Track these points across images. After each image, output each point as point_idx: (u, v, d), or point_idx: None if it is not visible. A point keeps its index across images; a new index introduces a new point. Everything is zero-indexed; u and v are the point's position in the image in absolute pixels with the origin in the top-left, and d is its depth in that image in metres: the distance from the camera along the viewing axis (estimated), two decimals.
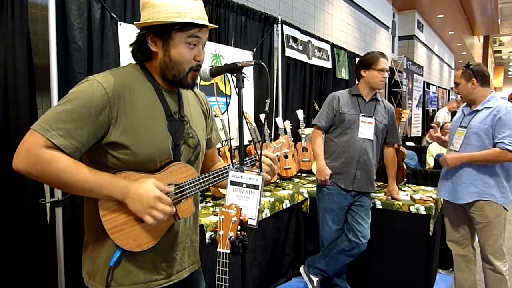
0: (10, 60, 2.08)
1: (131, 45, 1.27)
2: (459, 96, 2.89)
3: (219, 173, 1.29)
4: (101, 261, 1.22)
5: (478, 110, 2.59)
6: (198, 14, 1.20)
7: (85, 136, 1.11)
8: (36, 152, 1.06)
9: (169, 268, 1.30)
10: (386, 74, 2.76)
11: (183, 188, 1.25)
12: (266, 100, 1.25)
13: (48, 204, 2.23)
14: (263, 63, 1.19)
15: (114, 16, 2.49)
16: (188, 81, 1.25)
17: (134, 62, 1.31)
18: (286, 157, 3.77)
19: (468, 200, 2.55)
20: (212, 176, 1.29)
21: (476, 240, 2.70)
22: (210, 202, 2.86)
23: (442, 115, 8.12)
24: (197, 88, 3.14)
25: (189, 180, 1.26)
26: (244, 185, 1.19)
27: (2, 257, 2.05)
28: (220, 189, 2.85)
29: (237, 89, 1.21)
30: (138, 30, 1.25)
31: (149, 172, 1.21)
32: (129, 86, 1.19)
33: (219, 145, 3.29)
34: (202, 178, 1.28)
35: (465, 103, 2.75)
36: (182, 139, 1.29)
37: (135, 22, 1.25)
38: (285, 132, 3.90)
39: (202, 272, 1.53)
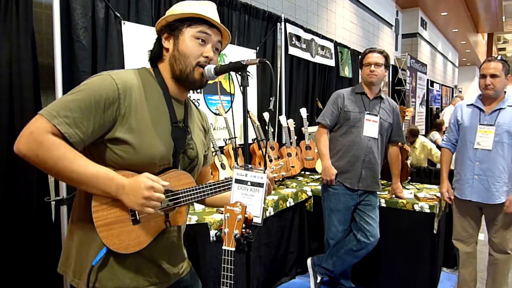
0: (15, 59, 2.09)
1: (150, 51, 1.32)
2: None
3: (217, 185, 1.29)
4: (88, 260, 1.18)
5: (501, 108, 2.58)
6: (210, 13, 1.26)
7: (90, 128, 1.10)
8: (40, 137, 1.05)
9: (156, 275, 1.28)
10: (373, 67, 2.70)
11: (179, 196, 1.24)
12: (271, 98, 1.26)
13: (53, 203, 2.24)
14: (267, 61, 1.19)
15: (118, 15, 2.49)
16: (194, 76, 1.25)
17: (142, 65, 1.32)
18: (289, 155, 3.77)
19: (503, 199, 2.57)
20: (209, 188, 1.28)
21: (481, 237, 2.73)
22: None
23: (449, 113, 8.09)
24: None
25: (186, 189, 1.25)
26: (248, 183, 1.19)
27: (7, 255, 2.06)
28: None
29: (241, 88, 1.21)
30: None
31: None
32: (140, 87, 1.21)
33: (222, 144, 3.30)
34: (199, 188, 1.27)
35: (474, 100, 2.69)
36: (182, 148, 1.29)
37: (156, 24, 1.31)
38: (289, 130, 3.90)
39: (196, 273, 1.51)
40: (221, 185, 1.29)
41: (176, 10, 1.26)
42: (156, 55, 1.30)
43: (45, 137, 1.05)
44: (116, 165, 1.16)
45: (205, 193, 1.28)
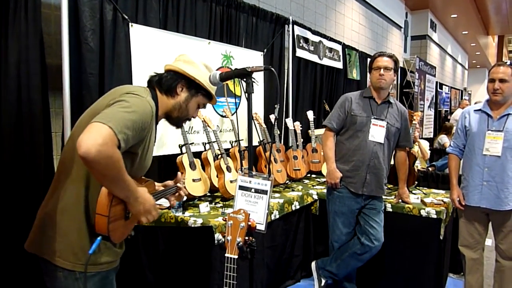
0: (24, 60, 2.11)
1: (158, 76, 1.54)
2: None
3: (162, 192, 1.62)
4: (77, 242, 1.32)
5: (510, 114, 2.58)
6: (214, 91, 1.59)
7: (130, 144, 1.28)
8: (111, 149, 1.18)
9: (117, 254, 1.49)
10: (383, 71, 2.69)
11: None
12: (276, 106, 1.25)
13: None
14: (272, 69, 1.19)
15: (126, 17, 2.50)
16: (180, 125, 1.62)
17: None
18: (295, 157, 3.76)
19: (511, 206, 2.56)
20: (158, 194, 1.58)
21: (489, 243, 2.70)
22: (220, 203, 2.87)
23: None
24: None
25: (156, 192, 1.55)
26: (252, 190, 1.19)
27: (22, 258, 2.07)
28: (229, 190, 2.86)
29: (246, 94, 1.21)
30: (171, 70, 1.55)
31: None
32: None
33: (228, 146, 3.29)
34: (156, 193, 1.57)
35: (482, 106, 2.68)
36: None
37: (184, 70, 1.52)
38: (295, 133, 3.88)
39: None
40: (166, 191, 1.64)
41: (205, 74, 1.51)
42: (166, 90, 1.51)
43: (115, 150, 1.19)
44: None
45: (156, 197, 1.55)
